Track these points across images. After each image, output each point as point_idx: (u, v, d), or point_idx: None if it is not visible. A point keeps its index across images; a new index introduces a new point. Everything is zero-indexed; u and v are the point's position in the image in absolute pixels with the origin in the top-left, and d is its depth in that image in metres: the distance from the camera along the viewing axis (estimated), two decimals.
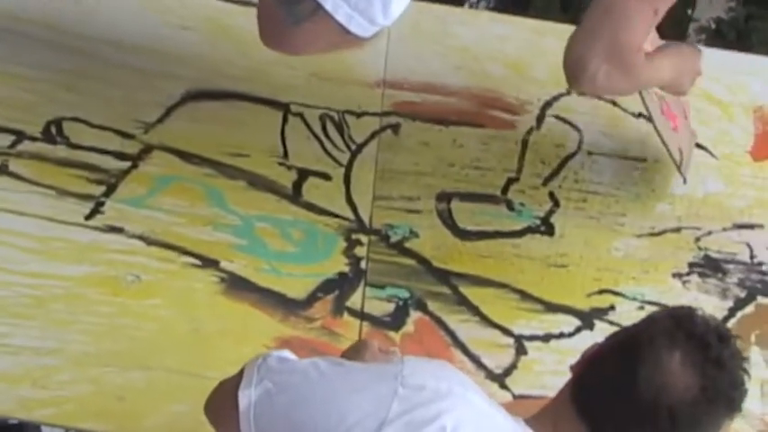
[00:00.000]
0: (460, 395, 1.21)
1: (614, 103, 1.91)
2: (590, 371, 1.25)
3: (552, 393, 1.54)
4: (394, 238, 1.85)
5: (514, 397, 1.78)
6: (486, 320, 1.83)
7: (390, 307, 1.82)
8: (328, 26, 1.14)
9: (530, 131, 1.92)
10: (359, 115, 1.90)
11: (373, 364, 1.33)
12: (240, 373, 1.24)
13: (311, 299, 1.80)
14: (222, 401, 1.26)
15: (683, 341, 1.19)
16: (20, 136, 1.82)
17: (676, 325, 1.21)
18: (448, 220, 1.87)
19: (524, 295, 1.84)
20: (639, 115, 1.92)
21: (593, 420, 1.23)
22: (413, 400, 1.16)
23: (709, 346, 1.20)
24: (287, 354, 1.29)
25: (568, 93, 1.84)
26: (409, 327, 1.82)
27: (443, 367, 1.27)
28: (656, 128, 1.69)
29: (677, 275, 1.89)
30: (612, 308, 1.86)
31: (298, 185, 1.85)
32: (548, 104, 1.92)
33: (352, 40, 1.19)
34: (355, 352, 1.46)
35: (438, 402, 1.18)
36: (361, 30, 1.16)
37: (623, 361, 1.21)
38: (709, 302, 1.85)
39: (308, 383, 1.21)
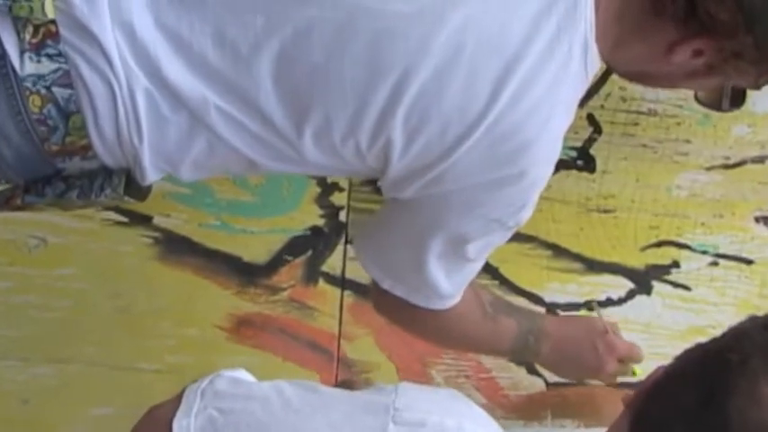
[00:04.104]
0: None
1: None
2: (656, 403, 1.05)
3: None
4: None
5: (548, 385, 1.64)
6: (509, 285, 1.64)
7: None
8: None
9: None
10: None
11: (357, 392, 1.19)
12: (179, 398, 1.10)
13: (275, 263, 1.61)
14: None
15: None
16: None
17: None
18: None
19: (558, 251, 1.64)
20: None
21: None
22: None
23: None
24: (243, 374, 1.15)
25: None
26: None
27: (451, 398, 1.12)
28: None
29: (761, 219, 1.66)
30: (676, 264, 1.66)
31: None
32: None
33: None
34: None
35: None
36: None
37: (704, 390, 1.01)
38: None
39: (267, 414, 1.06)
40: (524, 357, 1.50)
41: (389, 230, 1.23)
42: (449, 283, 1.22)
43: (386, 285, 1.24)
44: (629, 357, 1.47)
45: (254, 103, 1.09)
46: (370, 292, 1.32)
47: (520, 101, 1.09)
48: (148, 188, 1.18)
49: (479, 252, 1.21)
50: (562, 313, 1.64)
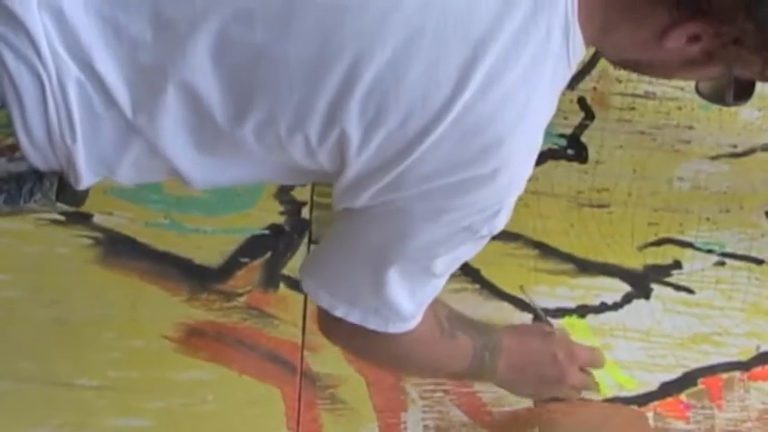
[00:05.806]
0: None
1: None
2: None
3: (593, 394, 1.51)
4: None
5: (536, 403, 1.54)
6: (491, 288, 1.59)
7: None
8: None
9: None
10: None
11: None
12: None
13: (231, 266, 1.57)
14: None
15: None
16: None
17: None
18: None
19: (546, 250, 1.61)
20: None
21: None
22: None
23: None
24: None
25: None
26: None
27: None
28: None
29: None
30: (677, 265, 1.62)
31: None
32: None
33: None
34: None
35: None
36: None
37: None
38: None
39: None
40: (481, 378, 1.43)
41: (342, 247, 1.16)
42: (411, 303, 1.15)
43: (339, 313, 1.17)
44: (591, 363, 1.41)
45: (192, 92, 1.01)
46: (317, 315, 1.26)
47: (491, 89, 1.02)
48: (85, 192, 1.12)
49: (447, 267, 1.13)
50: (552, 321, 1.57)
